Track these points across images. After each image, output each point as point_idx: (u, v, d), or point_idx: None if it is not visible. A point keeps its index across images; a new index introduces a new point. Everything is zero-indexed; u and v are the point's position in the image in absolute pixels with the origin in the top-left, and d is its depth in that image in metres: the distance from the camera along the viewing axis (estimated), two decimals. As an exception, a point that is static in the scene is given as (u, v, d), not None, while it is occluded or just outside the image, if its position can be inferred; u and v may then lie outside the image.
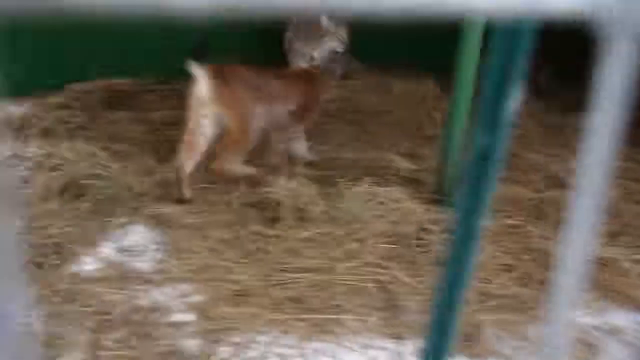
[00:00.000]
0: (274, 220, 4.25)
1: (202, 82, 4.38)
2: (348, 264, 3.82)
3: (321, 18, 6.24)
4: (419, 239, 4.16)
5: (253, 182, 4.61)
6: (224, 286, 3.60)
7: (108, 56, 6.63)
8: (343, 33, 6.24)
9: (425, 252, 4.07)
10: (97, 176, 4.50)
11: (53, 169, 4.80)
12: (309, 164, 5.18)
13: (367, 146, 5.73)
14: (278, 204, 4.31)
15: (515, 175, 5.23)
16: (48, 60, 6.45)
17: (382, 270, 3.81)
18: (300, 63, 6.38)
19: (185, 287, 3.60)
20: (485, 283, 3.77)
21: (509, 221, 4.52)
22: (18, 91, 6.23)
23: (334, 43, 6.26)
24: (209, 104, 4.41)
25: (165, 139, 5.34)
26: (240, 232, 4.12)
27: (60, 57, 6.49)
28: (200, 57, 4.31)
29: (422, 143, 5.77)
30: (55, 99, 6.06)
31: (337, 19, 6.32)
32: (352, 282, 3.68)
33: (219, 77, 4.41)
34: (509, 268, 3.94)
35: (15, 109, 5.94)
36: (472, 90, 4.50)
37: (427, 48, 7.71)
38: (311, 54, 6.39)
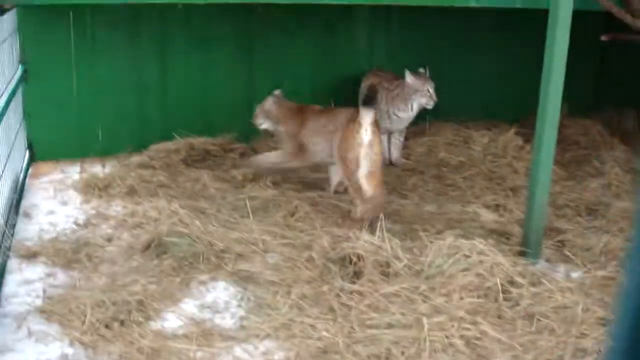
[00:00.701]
0: (356, 276, 4.17)
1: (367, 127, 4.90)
2: (434, 319, 3.70)
3: (406, 75, 6.24)
4: (505, 292, 4.01)
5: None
6: (307, 342, 3.53)
7: (188, 116, 6.75)
8: (430, 88, 6.22)
9: (512, 306, 3.93)
10: (179, 234, 4.52)
11: (136, 227, 4.86)
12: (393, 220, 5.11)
13: (450, 199, 5.65)
14: (360, 258, 4.23)
15: (606, 225, 5.05)
16: (130, 121, 6.60)
17: (469, 326, 3.68)
18: (385, 123, 6.38)
19: (268, 344, 3.54)
20: (581, 338, 3.60)
21: (602, 273, 4.34)
22: (102, 152, 6.38)
23: (423, 100, 6.24)
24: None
25: (247, 196, 5.35)
26: (322, 288, 4.05)
27: (142, 117, 6.63)
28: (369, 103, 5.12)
29: (506, 195, 5.65)
30: (137, 158, 6.17)
31: (422, 75, 6.31)
32: (439, 338, 3.55)
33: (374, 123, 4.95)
34: (604, 322, 3.76)
35: (100, 169, 6.08)
36: (554, 139, 4.38)
37: (507, 99, 7.65)
38: (397, 114, 6.39)
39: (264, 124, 5.82)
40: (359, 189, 4.99)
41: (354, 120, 4.95)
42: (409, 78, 6.26)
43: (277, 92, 5.77)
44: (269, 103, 5.73)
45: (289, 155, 5.68)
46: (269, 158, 5.81)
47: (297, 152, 5.60)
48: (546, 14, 4.26)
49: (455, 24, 7.40)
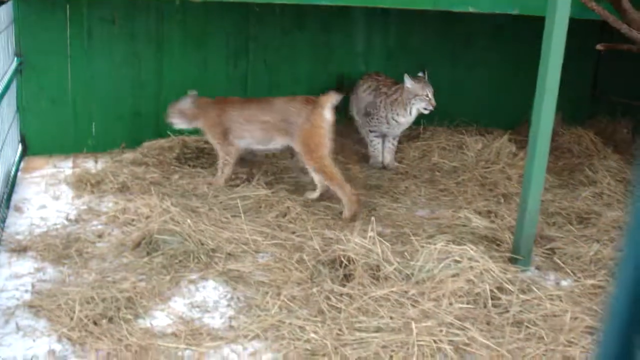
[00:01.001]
0: (347, 278, 4.17)
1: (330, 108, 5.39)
2: (423, 324, 3.70)
3: (405, 80, 6.24)
4: (495, 298, 4.03)
5: None
6: (296, 344, 3.53)
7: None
8: (430, 93, 6.22)
9: (501, 312, 3.94)
10: (170, 232, 4.51)
11: (127, 223, 4.86)
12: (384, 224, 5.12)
13: (442, 204, 5.66)
14: (351, 261, 4.23)
15: (597, 234, 5.07)
16: (124, 118, 6.59)
17: (457, 331, 3.69)
18: (383, 128, 6.43)
19: (256, 344, 3.54)
20: (569, 346, 3.61)
21: (592, 281, 4.35)
22: (95, 147, 6.37)
23: (422, 104, 6.24)
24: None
25: (239, 196, 5.36)
26: (312, 290, 4.05)
27: (136, 114, 6.62)
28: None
29: (498, 201, 5.66)
30: (131, 155, 6.16)
31: (421, 79, 6.32)
32: (427, 343, 3.55)
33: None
34: (592, 330, 3.77)
35: (93, 165, 6.07)
36: (548, 147, 4.39)
37: (501, 105, 7.66)
38: (396, 119, 6.39)
39: (178, 124, 5.93)
40: (334, 176, 5.35)
41: (313, 106, 5.40)
42: (408, 82, 6.26)
43: (192, 92, 5.86)
44: (184, 102, 5.83)
45: (221, 149, 5.77)
46: (218, 176, 5.84)
47: (224, 139, 5.75)
48: (543, 21, 4.27)
49: (452, 28, 7.41)
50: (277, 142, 5.71)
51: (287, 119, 5.51)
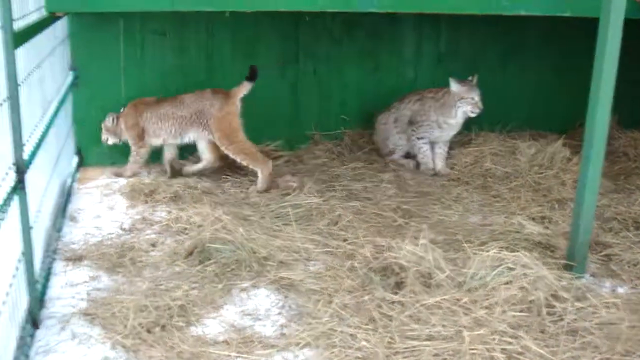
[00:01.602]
0: (398, 286, 4.14)
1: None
2: (475, 332, 3.65)
3: (450, 83, 6.23)
4: (549, 306, 3.95)
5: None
6: (347, 352, 3.51)
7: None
8: (476, 96, 6.20)
9: (556, 320, 3.86)
10: (223, 240, 4.54)
11: (180, 232, 4.91)
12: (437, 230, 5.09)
13: (495, 210, 5.59)
14: (402, 269, 4.21)
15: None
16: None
17: (511, 340, 3.62)
18: (435, 133, 6.42)
19: (307, 352, 3.54)
20: (626, 356, 3.53)
21: (650, 289, 4.26)
22: (149, 159, 6.46)
23: (468, 107, 6.22)
24: None
25: (290, 204, 5.37)
26: (364, 298, 4.03)
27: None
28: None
29: (552, 207, 5.57)
30: (182, 165, 6.24)
31: (467, 83, 6.29)
32: (480, 352, 3.50)
33: None
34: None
35: (146, 175, 6.15)
36: (603, 151, 4.31)
37: (555, 109, 7.55)
38: (447, 122, 6.38)
39: (109, 140, 6.26)
40: (251, 152, 5.99)
41: (224, 97, 6.01)
42: (453, 85, 6.26)
43: (111, 113, 6.20)
44: (108, 119, 6.18)
45: (135, 147, 6.18)
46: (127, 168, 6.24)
47: (140, 139, 6.15)
48: (597, 22, 4.19)
49: (503, 31, 7.33)
50: (191, 136, 6.15)
51: (201, 112, 6.02)
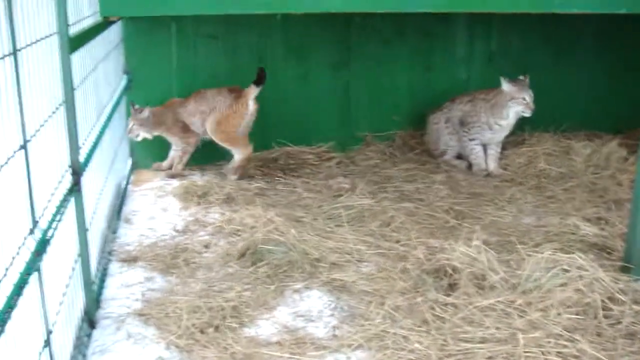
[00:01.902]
0: (451, 288, 4.11)
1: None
2: (530, 335, 3.61)
3: (502, 82, 6.19)
4: (606, 309, 3.87)
5: None
6: (399, 354, 3.49)
7: (286, 125, 6.83)
8: (527, 96, 6.14)
9: (613, 323, 3.78)
10: (275, 242, 4.56)
11: (232, 234, 4.94)
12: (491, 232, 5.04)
13: (549, 211, 5.51)
14: (455, 270, 4.18)
15: None
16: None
17: (566, 343, 3.57)
18: (486, 134, 6.39)
19: (360, 354, 3.53)
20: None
21: None
22: (202, 160, 6.53)
23: (519, 107, 6.17)
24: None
25: (342, 205, 5.37)
26: (416, 299, 4.01)
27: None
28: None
29: (609, 207, 5.47)
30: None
31: (519, 82, 6.24)
32: (535, 355, 3.46)
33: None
34: None
35: (199, 177, 6.21)
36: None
37: (610, 108, 7.43)
38: (498, 123, 6.33)
39: (140, 135, 6.32)
40: (234, 138, 6.29)
41: (236, 97, 6.24)
42: (505, 85, 6.21)
43: (139, 106, 6.24)
44: (144, 113, 6.24)
45: (183, 140, 6.40)
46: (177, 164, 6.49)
47: (185, 132, 6.37)
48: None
49: (556, 30, 7.23)
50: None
51: (215, 108, 6.27)
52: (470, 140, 6.51)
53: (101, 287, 4.18)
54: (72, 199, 3.47)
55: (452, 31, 7.17)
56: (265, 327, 3.77)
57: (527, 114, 6.22)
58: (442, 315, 3.83)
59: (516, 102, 6.20)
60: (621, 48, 7.31)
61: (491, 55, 7.32)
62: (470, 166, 6.64)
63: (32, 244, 2.60)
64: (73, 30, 3.74)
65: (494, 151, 6.55)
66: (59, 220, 3.06)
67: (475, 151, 6.51)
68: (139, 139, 6.32)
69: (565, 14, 5.98)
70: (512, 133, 6.66)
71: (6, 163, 2.35)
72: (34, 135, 2.78)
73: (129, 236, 5.01)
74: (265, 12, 5.81)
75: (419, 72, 7.16)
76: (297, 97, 6.85)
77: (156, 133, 6.33)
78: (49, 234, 2.82)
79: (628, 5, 5.69)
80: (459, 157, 6.81)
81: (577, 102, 7.48)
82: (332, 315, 3.94)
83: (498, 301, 3.91)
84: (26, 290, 2.39)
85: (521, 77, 6.28)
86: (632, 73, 7.23)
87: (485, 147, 6.54)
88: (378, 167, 6.58)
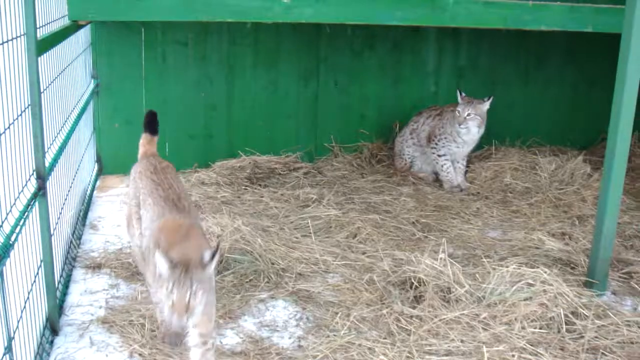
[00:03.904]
0: (417, 300, 4.12)
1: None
2: (494, 348, 3.63)
3: (457, 94, 6.29)
4: (569, 323, 3.91)
5: None
6: (365, 366, 3.49)
7: (254, 134, 6.82)
8: (461, 110, 6.26)
9: (576, 338, 3.82)
10: (241, 251, 4.54)
11: (199, 242, 4.89)
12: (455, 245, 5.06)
13: (515, 225, 5.55)
14: (421, 283, 4.19)
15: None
16: (197, 138, 6.68)
17: (530, 357, 3.59)
18: (452, 147, 6.44)
19: (325, 365, 3.52)
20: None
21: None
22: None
23: (455, 120, 6.31)
24: None
25: (309, 216, 5.37)
26: (382, 311, 4.01)
27: (208, 134, 6.71)
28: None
29: (573, 223, 5.54)
30: (202, 175, 6.25)
31: (467, 98, 6.33)
32: (499, 368, 3.48)
33: None
34: (672, 359, 3.64)
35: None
36: (624, 168, 4.28)
37: (575, 125, 7.53)
38: (460, 136, 6.39)
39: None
40: None
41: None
42: (459, 98, 6.32)
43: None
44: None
45: None
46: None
47: None
48: (618, 37, 4.17)
49: (524, 46, 7.33)
50: None
51: None
52: (440, 156, 6.54)
53: (65, 293, 4.13)
54: (37, 204, 3.42)
55: (422, 45, 7.22)
56: (230, 337, 3.75)
57: (459, 127, 6.28)
58: (408, 328, 3.84)
59: (454, 115, 6.32)
60: (587, 66, 7.43)
61: (460, 70, 7.37)
62: (436, 178, 6.68)
63: (-5, 249, 2.55)
64: (41, 33, 3.70)
65: (460, 164, 6.59)
66: (23, 225, 3.01)
67: (446, 167, 6.54)
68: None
69: (534, 31, 6.04)
70: (479, 147, 6.72)
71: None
72: None
73: (94, 242, 4.95)
74: (235, 20, 5.79)
75: (388, 84, 7.20)
76: (265, 106, 6.83)
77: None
78: (12, 238, 2.78)
79: (594, 24, 5.79)
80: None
81: (544, 117, 7.58)
82: (297, 325, 3.93)
83: (463, 314, 3.93)
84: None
85: (485, 99, 6.32)
86: (597, 89, 7.35)
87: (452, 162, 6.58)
88: (345, 178, 6.59)
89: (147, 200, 3.66)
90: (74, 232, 4.86)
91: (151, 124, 4.34)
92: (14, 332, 2.84)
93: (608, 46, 4.94)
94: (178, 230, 3.27)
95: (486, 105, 6.31)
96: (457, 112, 6.30)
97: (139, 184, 3.86)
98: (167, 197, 3.57)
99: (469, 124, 6.28)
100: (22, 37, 3.31)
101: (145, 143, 4.26)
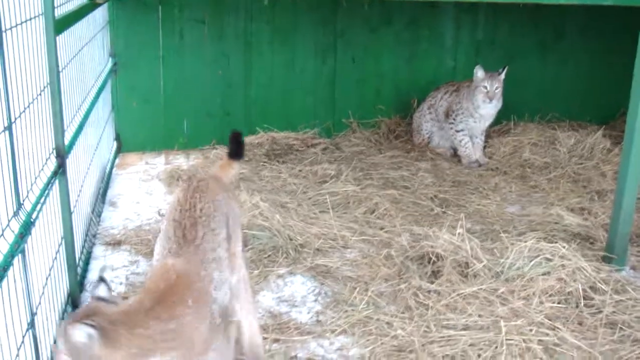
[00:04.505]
0: (435, 275, 4.13)
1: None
2: (512, 322, 3.63)
3: (475, 68, 6.24)
4: (587, 298, 3.91)
5: None
6: (382, 340, 3.51)
7: (272, 110, 6.82)
8: (489, 85, 6.20)
9: (594, 313, 3.82)
10: (260, 227, 4.56)
11: (217, 219, 4.91)
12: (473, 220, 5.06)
13: (533, 200, 5.54)
14: (439, 258, 4.19)
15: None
16: (214, 115, 6.69)
17: (548, 331, 3.60)
18: (470, 122, 6.41)
19: (343, 339, 3.55)
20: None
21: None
22: (187, 145, 6.51)
23: (481, 95, 6.25)
24: None
25: (327, 192, 5.38)
26: (400, 286, 4.03)
27: (226, 111, 6.72)
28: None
29: (592, 198, 5.51)
30: (220, 152, 6.26)
31: (490, 72, 6.27)
32: (516, 342, 3.48)
33: None
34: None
35: (184, 162, 6.20)
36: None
37: (595, 99, 7.47)
38: (476, 109, 6.35)
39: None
40: None
41: None
42: (477, 70, 6.27)
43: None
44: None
45: None
46: None
47: None
48: (638, 10, 4.12)
49: (543, 20, 7.26)
50: None
51: None
52: (457, 131, 6.52)
53: (85, 270, 4.17)
54: (57, 182, 3.45)
55: (439, 20, 7.17)
56: (249, 312, 3.78)
57: (488, 103, 6.25)
58: (426, 302, 3.85)
59: (479, 90, 6.25)
60: (606, 40, 7.34)
61: (478, 44, 7.33)
62: (455, 154, 6.66)
63: (16, 226, 2.59)
64: (59, 12, 3.71)
65: (478, 139, 6.56)
66: (44, 203, 3.04)
67: (464, 142, 6.52)
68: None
69: (551, 5, 5.99)
70: (497, 122, 6.69)
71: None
72: (19, 117, 2.77)
73: (114, 219, 5.00)
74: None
75: (405, 60, 7.17)
76: (282, 83, 6.83)
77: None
78: (33, 216, 2.82)
79: (613, -3, 5.73)
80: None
81: (563, 92, 7.52)
82: (315, 300, 3.95)
83: (481, 289, 3.93)
84: (10, 272, 2.38)
85: (499, 70, 6.28)
86: (617, 63, 7.27)
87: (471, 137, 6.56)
88: (363, 154, 6.59)
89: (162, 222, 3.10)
90: (93, 209, 4.90)
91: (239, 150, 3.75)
92: (37, 308, 2.88)
93: (627, 20, 4.89)
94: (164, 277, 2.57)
95: (503, 76, 6.29)
96: (483, 88, 6.23)
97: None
98: (179, 224, 2.93)
99: (499, 97, 6.29)
100: (40, 16, 3.32)
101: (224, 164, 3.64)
